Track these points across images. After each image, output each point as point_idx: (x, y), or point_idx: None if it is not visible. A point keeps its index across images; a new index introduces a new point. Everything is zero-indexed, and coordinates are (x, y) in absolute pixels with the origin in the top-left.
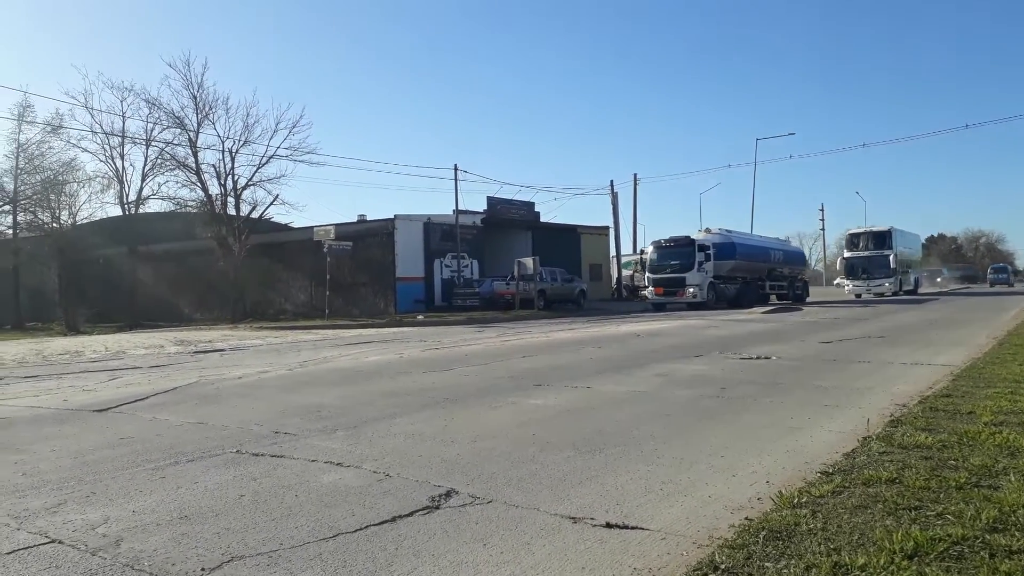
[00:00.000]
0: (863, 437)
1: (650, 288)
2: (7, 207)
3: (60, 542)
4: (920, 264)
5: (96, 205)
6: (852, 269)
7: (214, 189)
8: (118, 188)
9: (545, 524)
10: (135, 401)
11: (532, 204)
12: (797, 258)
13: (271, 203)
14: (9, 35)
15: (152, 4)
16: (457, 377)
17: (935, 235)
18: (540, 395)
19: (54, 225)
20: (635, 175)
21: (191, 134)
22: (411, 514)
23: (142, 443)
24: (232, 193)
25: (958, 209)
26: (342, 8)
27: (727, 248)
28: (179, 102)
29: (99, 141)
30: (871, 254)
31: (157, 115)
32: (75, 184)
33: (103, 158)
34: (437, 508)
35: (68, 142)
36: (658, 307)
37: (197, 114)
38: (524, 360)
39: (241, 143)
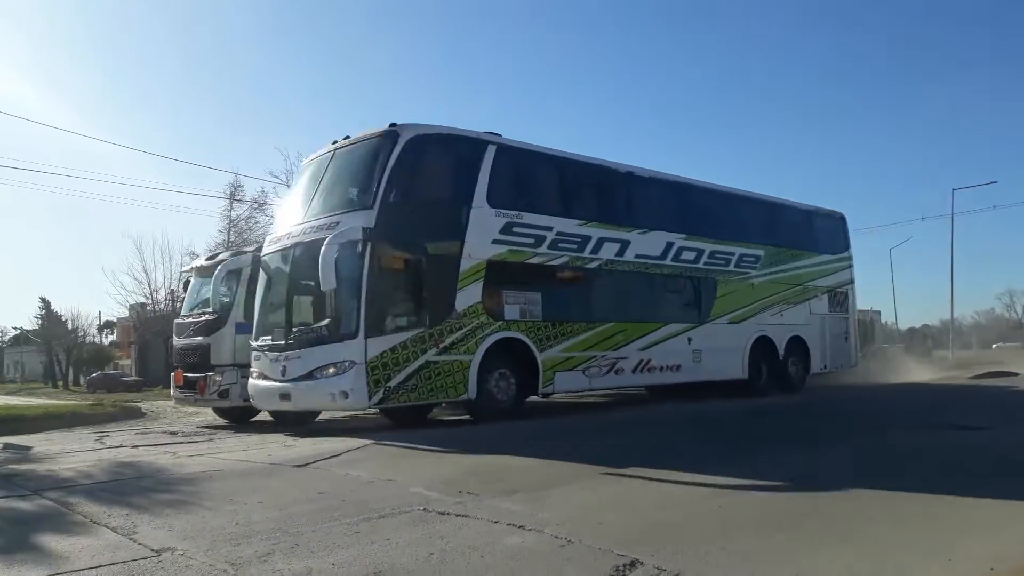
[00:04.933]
0: None
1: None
2: None
3: None
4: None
5: None
6: (263, 319)
7: None
8: None
9: None
10: (330, 457)
11: None
12: None
13: None
14: (222, 124)
15: (348, 85)
16: (637, 440)
17: None
18: (727, 468)
19: None
20: None
21: None
22: None
23: (337, 498)
24: None
25: None
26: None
27: None
28: None
29: None
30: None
31: None
32: None
33: None
34: None
35: (271, 217)
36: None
37: None
38: (696, 429)
39: None
